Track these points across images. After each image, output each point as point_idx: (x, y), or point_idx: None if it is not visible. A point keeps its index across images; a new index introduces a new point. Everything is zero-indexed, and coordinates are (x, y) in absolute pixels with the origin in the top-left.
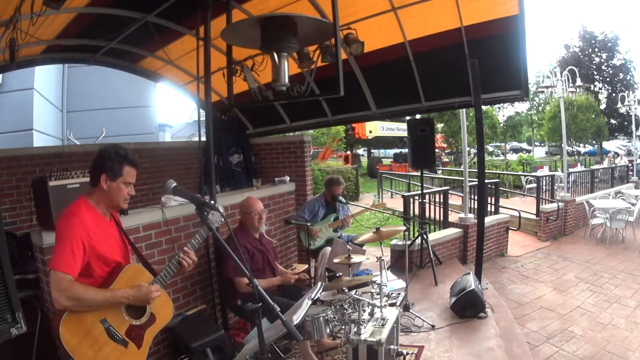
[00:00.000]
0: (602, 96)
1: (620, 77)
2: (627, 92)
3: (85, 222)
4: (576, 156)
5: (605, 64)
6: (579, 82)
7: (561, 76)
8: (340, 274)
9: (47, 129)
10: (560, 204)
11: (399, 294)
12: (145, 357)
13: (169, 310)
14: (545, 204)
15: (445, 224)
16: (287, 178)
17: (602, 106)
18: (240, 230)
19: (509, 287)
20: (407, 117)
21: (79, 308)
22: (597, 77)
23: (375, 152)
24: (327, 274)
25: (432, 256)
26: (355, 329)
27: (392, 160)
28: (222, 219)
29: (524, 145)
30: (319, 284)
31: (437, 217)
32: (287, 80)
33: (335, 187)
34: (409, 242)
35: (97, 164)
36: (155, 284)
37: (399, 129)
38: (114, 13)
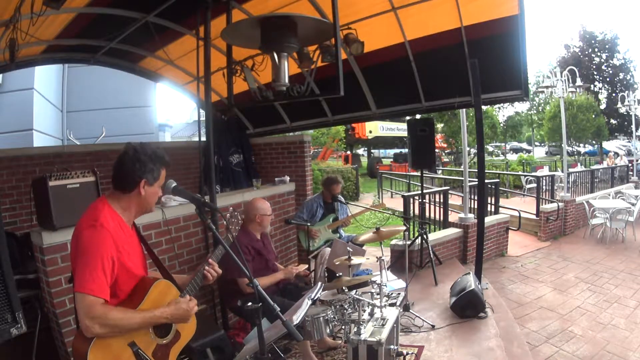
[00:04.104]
0: (602, 96)
1: (620, 77)
2: (627, 92)
3: (114, 235)
4: (576, 156)
5: (605, 64)
6: (579, 82)
7: (561, 76)
8: (340, 274)
9: (47, 129)
10: (560, 204)
11: (399, 294)
12: None
13: (193, 326)
14: (545, 204)
15: (445, 224)
16: (287, 178)
17: (602, 106)
18: (242, 231)
19: (509, 287)
20: (407, 117)
21: (113, 334)
22: (597, 77)
23: (375, 152)
24: (326, 274)
25: (432, 256)
26: (355, 329)
27: (392, 160)
28: (228, 219)
29: (524, 145)
30: (319, 284)
31: (437, 217)
32: (287, 80)
33: (334, 187)
34: (409, 242)
35: (137, 168)
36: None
37: (399, 129)
38: (114, 13)
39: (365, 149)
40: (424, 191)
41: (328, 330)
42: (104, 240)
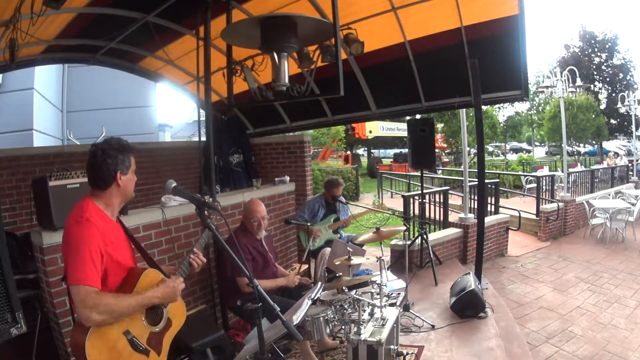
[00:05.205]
0: (602, 96)
1: (620, 77)
2: (627, 92)
3: (100, 229)
4: (576, 156)
5: (605, 64)
6: (579, 82)
7: (561, 76)
8: (340, 274)
9: (47, 129)
10: (560, 204)
11: (399, 294)
12: None
13: (183, 314)
14: (545, 204)
15: (445, 224)
16: (287, 178)
17: (602, 106)
18: (242, 230)
19: (509, 287)
20: (407, 117)
21: (110, 320)
22: (597, 77)
23: (375, 152)
24: (326, 274)
25: (432, 256)
26: (355, 329)
27: (392, 160)
28: (222, 218)
29: (524, 145)
30: (319, 284)
31: (437, 217)
32: (287, 80)
33: (335, 189)
34: (409, 242)
35: (110, 163)
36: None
37: (399, 129)
38: (114, 13)
39: (365, 149)
40: (424, 191)
41: (328, 330)
42: (90, 234)
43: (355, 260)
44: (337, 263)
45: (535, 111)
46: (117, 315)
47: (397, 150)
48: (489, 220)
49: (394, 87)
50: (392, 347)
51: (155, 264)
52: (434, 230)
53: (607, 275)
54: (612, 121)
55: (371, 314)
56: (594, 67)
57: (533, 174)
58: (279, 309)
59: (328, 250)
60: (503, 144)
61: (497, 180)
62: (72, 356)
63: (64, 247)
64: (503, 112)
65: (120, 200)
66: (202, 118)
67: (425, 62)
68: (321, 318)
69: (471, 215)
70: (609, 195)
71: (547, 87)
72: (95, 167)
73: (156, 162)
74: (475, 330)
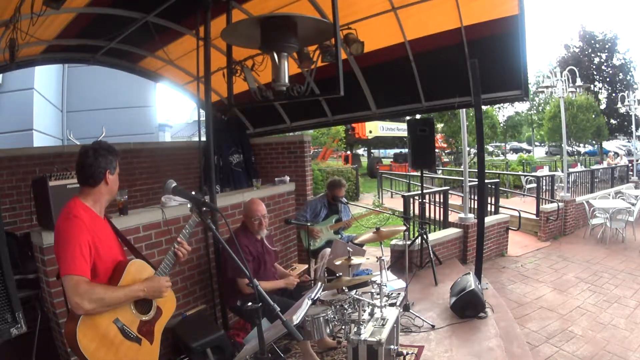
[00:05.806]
0: (602, 96)
1: (620, 77)
2: (627, 92)
3: (87, 224)
4: (576, 156)
5: (605, 64)
6: (579, 82)
7: (561, 76)
8: (340, 274)
9: (47, 129)
10: (560, 204)
11: (399, 294)
12: (158, 352)
13: (172, 302)
14: (545, 204)
15: (445, 224)
16: (287, 178)
17: (602, 106)
18: (242, 231)
19: (509, 287)
20: (407, 117)
21: (100, 309)
22: (597, 77)
23: (375, 152)
24: (326, 274)
25: (432, 256)
26: (355, 329)
27: (392, 160)
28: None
29: (524, 145)
30: (319, 284)
31: (437, 217)
32: (287, 80)
33: (338, 190)
34: (409, 242)
35: (100, 162)
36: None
37: (399, 129)
38: (114, 13)
39: (365, 149)
40: (424, 191)
41: (328, 330)
42: (78, 229)
43: (355, 260)
44: (337, 263)
45: (535, 111)
46: (106, 304)
47: (397, 150)
48: (489, 220)
49: (394, 87)
50: (392, 347)
51: (142, 256)
52: (434, 230)
53: (607, 275)
54: (612, 121)
55: (371, 314)
56: (594, 67)
57: (533, 174)
58: (279, 309)
59: (328, 250)
60: (503, 144)
61: (497, 180)
62: (72, 356)
63: (55, 244)
64: (503, 112)
65: (107, 197)
66: (202, 118)
67: (425, 62)
68: (321, 318)
69: (471, 215)
70: (609, 195)
71: (547, 87)
72: (86, 165)
73: (156, 162)
74: (475, 330)
